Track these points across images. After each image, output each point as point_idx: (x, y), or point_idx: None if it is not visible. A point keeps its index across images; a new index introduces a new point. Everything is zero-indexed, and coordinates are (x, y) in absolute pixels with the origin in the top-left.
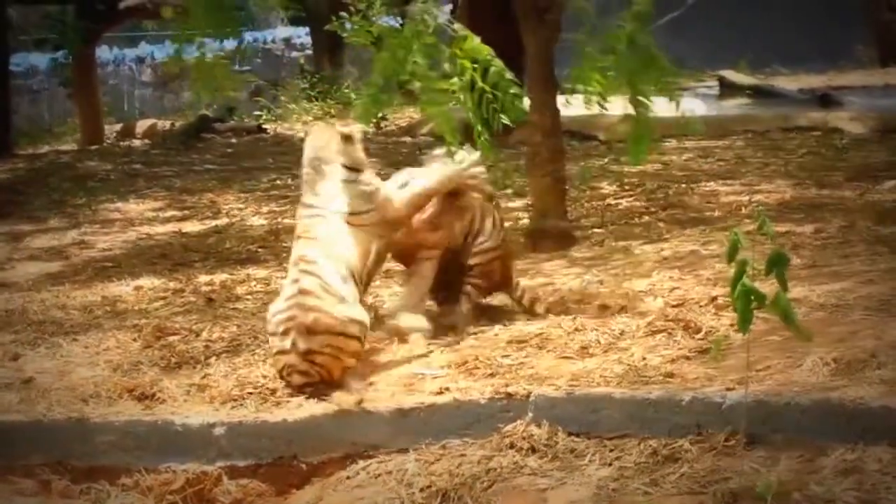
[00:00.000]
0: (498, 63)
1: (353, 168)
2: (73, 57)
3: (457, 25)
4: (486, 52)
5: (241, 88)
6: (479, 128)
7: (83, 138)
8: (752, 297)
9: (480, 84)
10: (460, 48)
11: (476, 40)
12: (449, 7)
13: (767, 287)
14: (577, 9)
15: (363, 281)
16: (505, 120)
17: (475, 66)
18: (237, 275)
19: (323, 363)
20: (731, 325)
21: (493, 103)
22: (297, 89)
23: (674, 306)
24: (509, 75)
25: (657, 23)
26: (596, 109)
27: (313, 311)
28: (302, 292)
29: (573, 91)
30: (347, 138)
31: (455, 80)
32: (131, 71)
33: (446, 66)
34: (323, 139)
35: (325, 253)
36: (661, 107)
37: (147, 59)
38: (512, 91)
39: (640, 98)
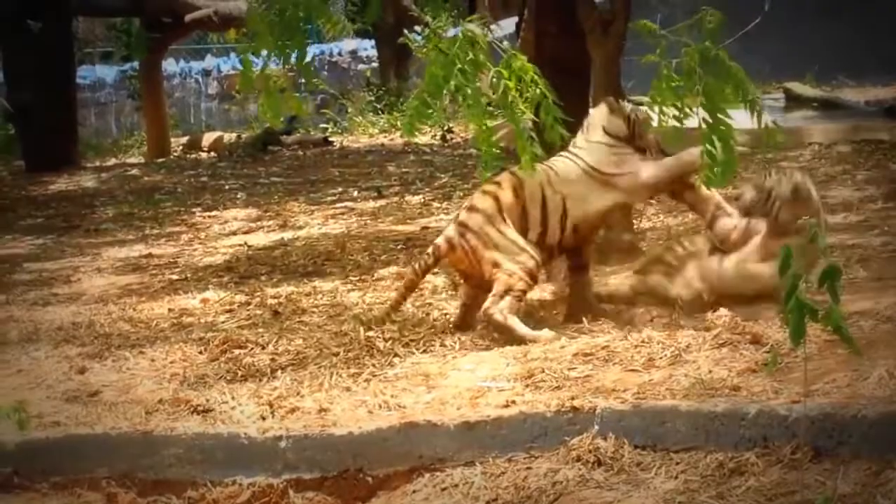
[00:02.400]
0: (542, 83)
1: (613, 135)
2: (139, 69)
3: (505, 44)
4: (532, 71)
5: (306, 112)
6: (523, 144)
7: (150, 151)
8: (806, 311)
9: (521, 105)
10: (507, 66)
11: (523, 59)
12: (515, 19)
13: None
14: (640, 26)
15: (579, 229)
16: (549, 139)
17: (519, 85)
18: (303, 288)
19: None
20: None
21: (536, 123)
22: (363, 102)
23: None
24: (552, 97)
25: (729, 40)
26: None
27: None
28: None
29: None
30: (613, 110)
31: (496, 96)
32: (197, 84)
33: (490, 82)
34: (601, 109)
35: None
36: (738, 119)
37: (213, 71)
38: (552, 114)
39: (720, 117)
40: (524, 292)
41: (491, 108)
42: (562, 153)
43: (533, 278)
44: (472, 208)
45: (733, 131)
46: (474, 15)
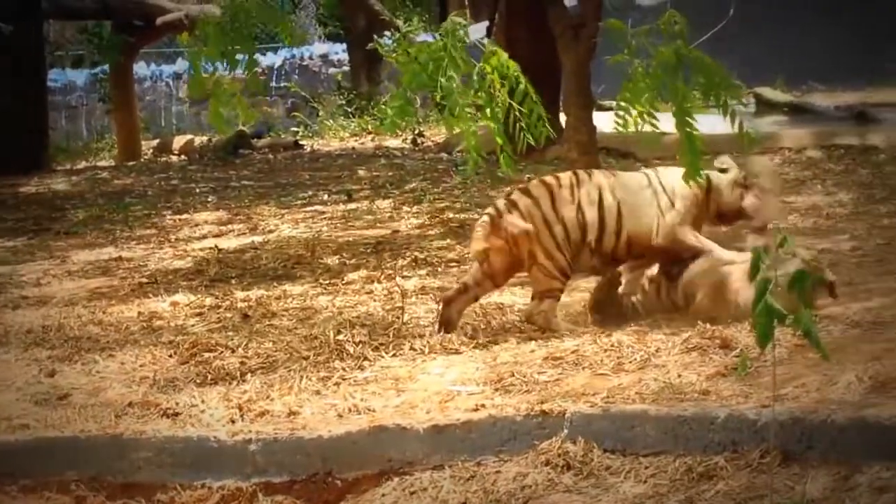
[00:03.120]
0: (525, 81)
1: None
2: (110, 73)
3: (486, 41)
4: (514, 68)
5: (255, 121)
6: (502, 143)
7: (120, 154)
8: (774, 315)
9: (507, 101)
10: (489, 64)
11: (504, 57)
12: (485, 24)
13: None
14: (610, 25)
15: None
16: (529, 140)
17: (503, 82)
18: (273, 291)
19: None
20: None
21: (518, 121)
22: (333, 105)
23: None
24: (535, 95)
25: (698, 41)
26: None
27: None
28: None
29: (623, 109)
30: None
31: (482, 95)
32: (168, 87)
33: (475, 81)
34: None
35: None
36: (712, 123)
37: (184, 74)
38: (537, 111)
39: (687, 116)
40: (561, 290)
41: (469, 110)
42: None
43: (567, 277)
44: (525, 192)
45: (696, 129)
46: (451, 16)
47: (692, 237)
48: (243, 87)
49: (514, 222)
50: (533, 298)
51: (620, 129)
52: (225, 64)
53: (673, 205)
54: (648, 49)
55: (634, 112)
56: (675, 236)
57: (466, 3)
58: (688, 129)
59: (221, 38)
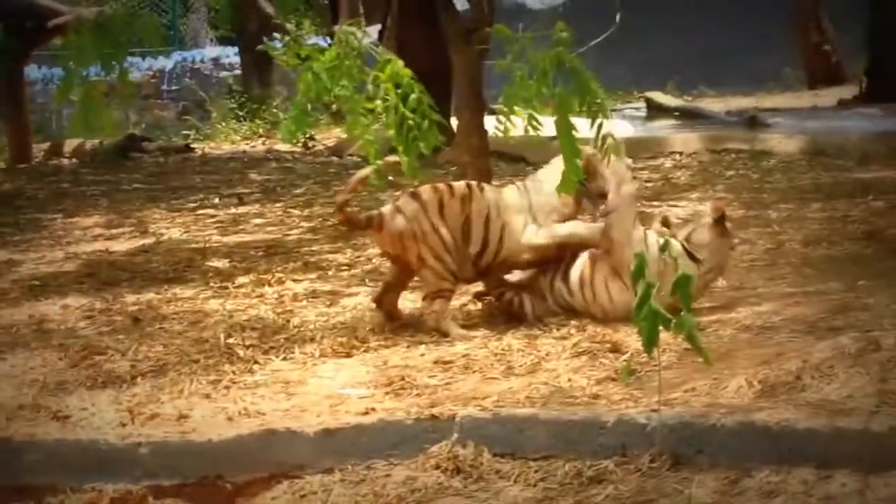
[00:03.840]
0: (418, 88)
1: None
2: (0, 76)
3: (380, 49)
4: (408, 75)
5: (117, 132)
6: (401, 150)
7: (11, 157)
8: (659, 320)
9: (401, 108)
10: (383, 71)
11: (399, 64)
12: (377, 28)
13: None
14: (497, 31)
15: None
16: (422, 149)
17: (398, 90)
18: (164, 294)
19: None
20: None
21: (411, 130)
22: (224, 109)
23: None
24: (428, 101)
25: (585, 46)
26: (518, 132)
27: None
28: None
29: (508, 113)
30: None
31: (378, 102)
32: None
33: (370, 88)
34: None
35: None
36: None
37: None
38: (430, 118)
39: (567, 122)
40: (452, 291)
41: (366, 119)
42: (524, 180)
43: (456, 279)
44: (413, 195)
45: (576, 138)
46: (339, 23)
47: (555, 231)
48: (107, 93)
49: (397, 223)
50: (424, 300)
51: (500, 134)
52: (99, 69)
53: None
54: (529, 55)
55: (514, 117)
56: (539, 243)
57: (360, 7)
58: (567, 137)
59: (95, 43)
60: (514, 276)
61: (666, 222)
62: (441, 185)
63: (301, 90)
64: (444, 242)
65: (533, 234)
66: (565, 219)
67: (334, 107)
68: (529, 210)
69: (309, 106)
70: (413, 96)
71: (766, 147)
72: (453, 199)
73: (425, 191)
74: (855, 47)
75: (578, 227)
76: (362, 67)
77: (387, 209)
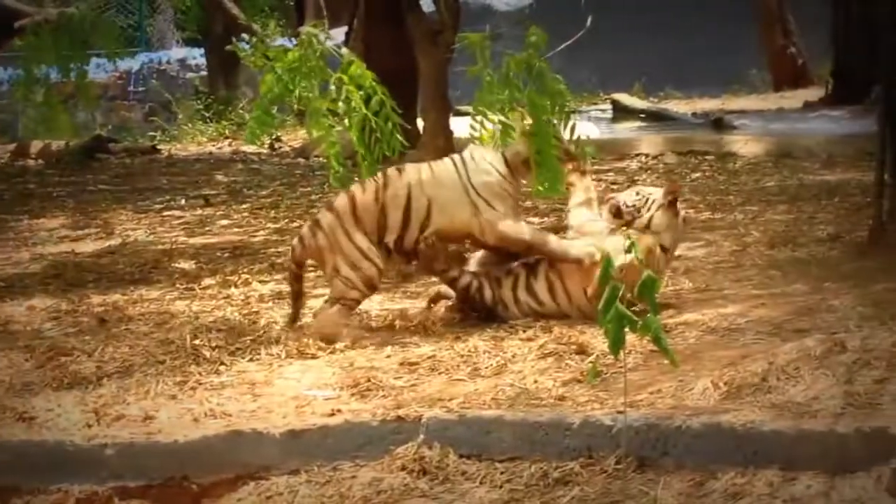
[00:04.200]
0: (381, 90)
1: (511, 165)
2: None
3: (344, 51)
4: (370, 78)
5: (75, 135)
6: (363, 152)
7: None
8: (624, 322)
9: (363, 111)
10: (346, 74)
11: (362, 67)
12: (344, 29)
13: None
14: (462, 38)
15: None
16: (384, 151)
17: (361, 92)
18: (130, 295)
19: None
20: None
21: (374, 132)
22: (191, 110)
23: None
24: (391, 103)
25: (553, 51)
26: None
27: None
28: None
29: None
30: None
31: (340, 104)
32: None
33: (332, 90)
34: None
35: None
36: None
37: (41, 78)
38: (392, 120)
39: (543, 128)
40: (357, 301)
41: (328, 121)
42: (452, 156)
43: (371, 287)
44: (329, 207)
45: (554, 141)
46: (304, 24)
47: (524, 230)
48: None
49: (317, 240)
50: (326, 301)
51: (476, 138)
52: (58, 69)
53: (482, 197)
54: (499, 58)
55: (487, 123)
56: (504, 233)
57: (324, 8)
58: (543, 142)
59: (53, 44)
60: (471, 263)
61: (617, 212)
62: (355, 187)
63: (263, 91)
64: (361, 250)
65: (506, 227)
66: (513, 199)
67: (297, 107)
68: (471, 188)
69: (274, 107)
70: (375, 98)
71: (732, 149)
72: (365, 195)
73: (339, 199)
74: (820, 49)
75: (551, 242)
76: (324, 69)
77: (305, 229)
